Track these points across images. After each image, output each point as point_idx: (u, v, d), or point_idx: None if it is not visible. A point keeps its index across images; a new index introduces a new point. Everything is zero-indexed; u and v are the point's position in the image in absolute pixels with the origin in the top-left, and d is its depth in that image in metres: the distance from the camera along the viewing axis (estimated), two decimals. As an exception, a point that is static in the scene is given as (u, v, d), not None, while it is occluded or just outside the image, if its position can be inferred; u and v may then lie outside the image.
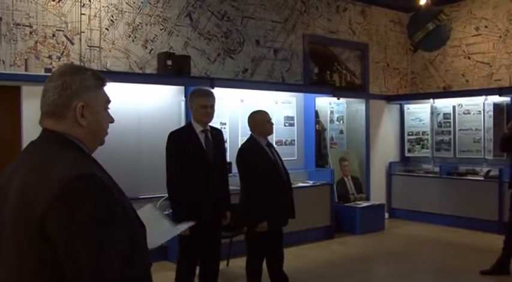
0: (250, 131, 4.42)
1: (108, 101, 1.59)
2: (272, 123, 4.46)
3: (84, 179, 1.33)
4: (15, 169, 1.46)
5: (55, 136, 1.46)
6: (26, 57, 5.39)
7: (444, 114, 8.61)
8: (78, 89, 1.47)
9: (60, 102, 1.46)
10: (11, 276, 1.37)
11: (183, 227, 1.90)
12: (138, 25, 6.19)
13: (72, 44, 5.70)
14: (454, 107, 8.48)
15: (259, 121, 4.37)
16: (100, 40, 5.90)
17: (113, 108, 1.65)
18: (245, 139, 4.59)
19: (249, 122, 4.43)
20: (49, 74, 5.62)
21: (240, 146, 4.62)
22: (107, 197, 1.35)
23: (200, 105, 3.98)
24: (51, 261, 1.30)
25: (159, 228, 1.76)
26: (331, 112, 8.41)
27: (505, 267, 5.46)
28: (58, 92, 1.46)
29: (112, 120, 1.61)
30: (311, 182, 7.45)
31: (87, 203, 1.30)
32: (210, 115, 4.03)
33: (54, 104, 1.46)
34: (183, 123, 5.67)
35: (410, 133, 9.06)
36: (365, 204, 7.95)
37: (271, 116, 4.50)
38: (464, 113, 8.38)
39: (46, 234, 1.28)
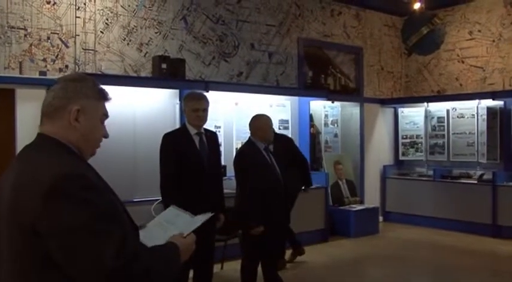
0: (250, 133, 4.36)
1: (106, 115, 1.65)
2: (273, 130, 4.40)
3: (72, 177, 1.38)
4: (10, 173, 1.51)
5: (49, 139, 1.52)
6: (20, 60, 5.38)
7: (438, 117, 8.66)
8: (76, 93, 1.55)
9: (57, 104, 1.54)
10: (10, 277, 1.43)
11: (203, 217, 1.91)
12: (133, 28, 6.19)
13: (67, 47, 5.69)
14: (448, 111, 8.53)
15: (262, 126, 4.31)
16: (95, 43, 5.90)
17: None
18: (240, 142, 4.57)
19: (250, 125, 4.37)
20: (44, 76, 5.57)
21: (236, 149, 4.60)
22: (95, 195, 1.40)
23: (192, 108, 3.98)
24: (42, 258, 1.36)
25: (182, 222, 1.84)
26: (326, 115, 8.44)
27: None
28: (57, 95, 1.54)
29: (106, 136, 1.66)
30: (305, 185, 7.45)
31: (76, 200, 1.35)
32: (201, 118, 4.02)
33: (51, 106, 1.54)
34: (177, 127, 5.67)
35: (404, 136, 9.10)
36: (359, 207, 7.96)
37: (266, 119, 4.48)
38: (458, 117, 8.43)
39: (37, 231, 1.34)
